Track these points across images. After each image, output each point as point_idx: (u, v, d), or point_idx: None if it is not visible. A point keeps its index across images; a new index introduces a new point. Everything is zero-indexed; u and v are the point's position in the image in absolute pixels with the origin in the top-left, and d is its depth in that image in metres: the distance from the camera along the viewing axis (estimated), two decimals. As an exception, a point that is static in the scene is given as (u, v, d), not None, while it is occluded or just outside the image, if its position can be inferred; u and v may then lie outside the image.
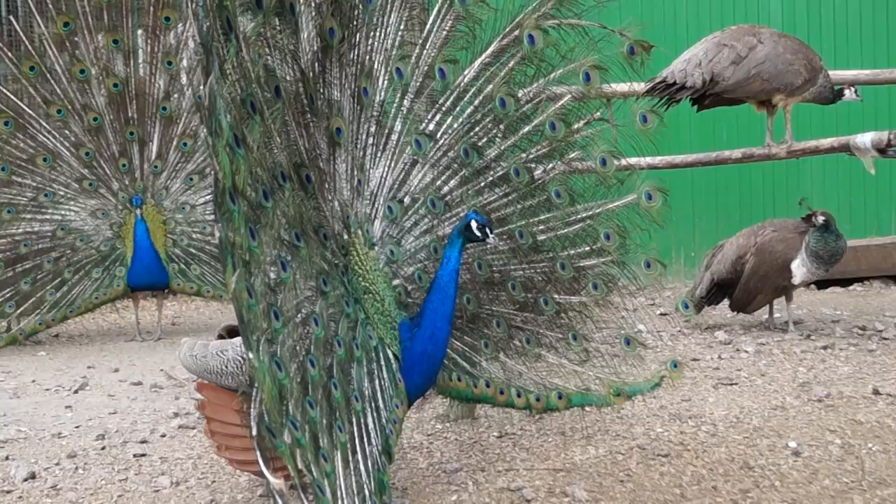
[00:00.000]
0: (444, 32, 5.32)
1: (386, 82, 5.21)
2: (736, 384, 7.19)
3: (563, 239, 5.61)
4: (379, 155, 5.19)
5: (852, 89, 8.68)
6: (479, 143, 5.39)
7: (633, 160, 5.68)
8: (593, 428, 6.17)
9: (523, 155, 5.47)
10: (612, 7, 5.69)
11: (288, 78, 4.73)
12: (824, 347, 8.13)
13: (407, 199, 5.26)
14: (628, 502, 5.06)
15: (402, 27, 5.24)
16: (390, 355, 4.93)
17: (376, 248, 5.08)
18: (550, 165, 5.53)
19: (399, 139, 5.24)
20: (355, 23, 5.00)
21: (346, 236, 4.97)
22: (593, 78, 5.47)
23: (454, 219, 5.30)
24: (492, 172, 5.43)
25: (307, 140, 4.80)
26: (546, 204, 5.54)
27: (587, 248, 5.65)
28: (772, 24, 11.52)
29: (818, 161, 11.49)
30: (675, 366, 6.00)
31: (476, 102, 5.36)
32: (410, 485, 5.36)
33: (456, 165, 5.37)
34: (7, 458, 5.96)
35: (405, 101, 5.26)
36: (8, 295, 9.45)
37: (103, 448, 6.12)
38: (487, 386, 5.53)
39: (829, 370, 7.47)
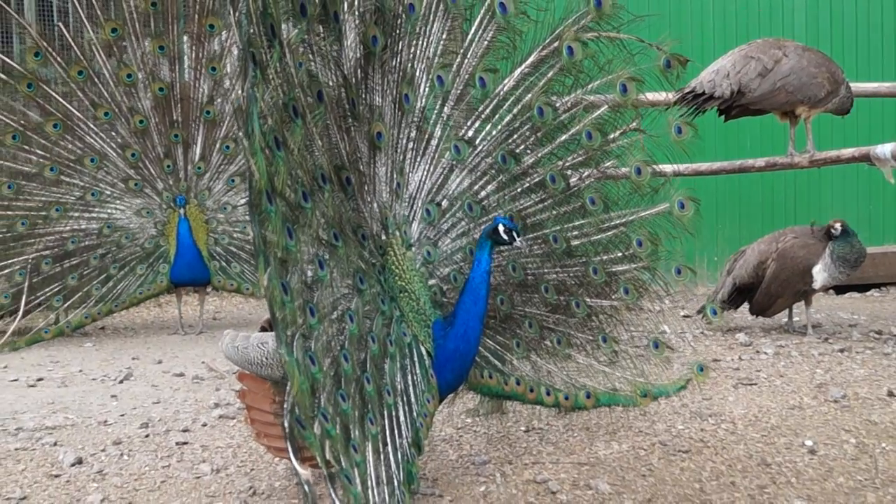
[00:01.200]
0: (486, 42, 5.33)
1: (427, 89, 5.22)
2: (755, 384, 7.22)
3: (597, 244, 5.62)
4: (419, 159, 5.22)
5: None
6: (517, 150, 5.40)
7: (661, 167, 5.69)
8: (617, 424, 6.21)
9: (559, 162, 5.47)
10: (644, 20, 5.70)
11: (330, 83, 4.77)
12: (841, 350, 8.14)
13: (445, 203, 5.29)
14: (650, 496, 5.10)
15: (444, 36, 5.26)
16: (423, 352, 4.97)
17: (413, 248, 5.13)
18: (586, 173, 5.54)
19: (438, 144, 5.26)
20: (398, 31, 5.03)
21: (384, 237, 5.02)
22: (630, 90, 5.49)
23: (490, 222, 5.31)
24: (528, 179, 5.43)
25: (348, 143, 4.85)
26: (581, 210, 5.54)
27: (620, 254, 5.67)
28: (796, 36, 11.55)
29: (838, 170, 11.49)
30: (702, 369, 6.03)
31: (515, 111, 5.38)
32: (441, 476, 5.41)
33: (493, 171, 5.38)
34: (56, 444, 6.05)
35: (445, 108, 5.28)
36: (56, 289, 9.55)
37: (147, 436, 6.20)
38: (518, 384, 5.57)
39: (845, 372, 7.49)
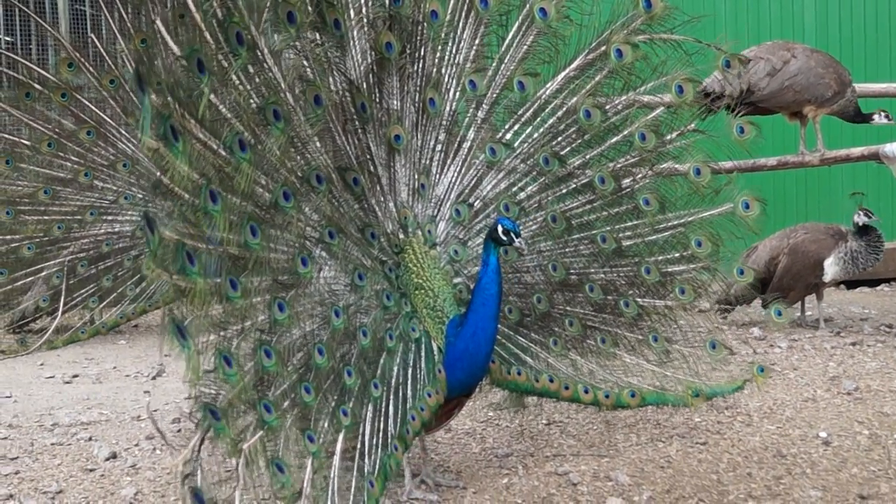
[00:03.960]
0: (525, 47, 5.27)
1: (458, 94, 5.19)
2: (770, 377, 7.16)
3: (652, 245, 5.51)
4: (449, 161, 5.18)
5: (882, 113, 8.64)
6: (562, 153, 5.33)
7: (679, 167, 5.60)
8: (635, 417, 6.17)
9: (610, 164, 5.38)
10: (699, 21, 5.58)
11: (333, 88, 4.79)
12: (853, 344, 8.08)
13: (478, 203, 5.23)
14: (668, 487, 5.07)
15: (476, 41, 5.21)
16: (434, 348, 4.91)
17: (438, 247, 5.09)
18: (640, 174, 5.45)
19: (472, 147, 5.22)
20: (419, 37, 5.02)
21: (402, 235, 5.01)
22: (686, 90, 5.41)
23: (532, 224, 5.30)
24: (575, 180, 5.36)
25: (355, 145, 4.86)
26: (634, 211, 5.45)
27: (677, 255, 5.55)
28: (805, 37, 11.48)
29: (848, 168, 11.42)
30: (762, 370, 5.81)
31: (560, 114, 5.31)
32: (464, 468, 5.40)
33: (535, 173, 5.32)
34: (90, 439, 6.04)
35: (480, 112, 5.23)
36: (92, 290, 9.54)
37: (179, 430, 6.19)
38: (551, 381, 5.36)
39: (857, 365, 7.43)
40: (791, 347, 8.10)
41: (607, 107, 5.37)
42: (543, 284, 5.37)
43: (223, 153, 4.24)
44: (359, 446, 4.60)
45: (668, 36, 5.34)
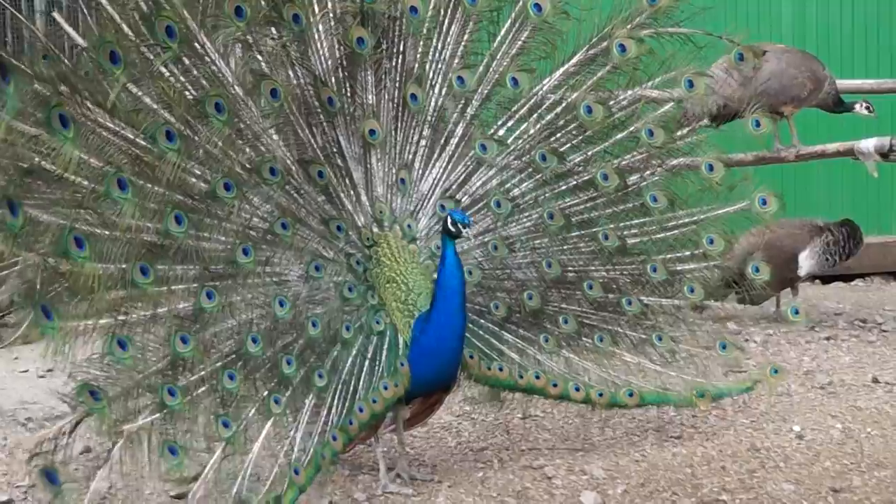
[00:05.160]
0: (520, 43, 5.23)
1: (445, 90, 5.16)
2: (744, 371, 7.19)
3: (660, 243, 5.46)
4: (434, 157, 5.17)
5: (863, 104, 8.67)
6: (561, 149, 5.28)
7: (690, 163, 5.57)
8: (610, 411, 6.16)
9: (615, 161, 5.33)
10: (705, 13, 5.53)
11: (294, 82, 4.82)
12: (827, 338, 8.11)
13: (465, 199, 5.20)
14: (643, 480, 5.09)
15: (465, 38, 5.18)
16: (400, 342, 4.91)
17: (419, 242, 5.08)
18: (648, 171, 5.38)
19: (460, 143, 5.19)
20: (397, 33, 5.03)
21: (375, 229, 5.01)
22: (697, 84, 5.37)
23: (526, 221, 5.26)
24: (575, 177, 5.33)
25: (319, 139, 4.89)
26: (640, 209, 5.41)
27: (687, 253, 5.49)
28: (783, 33, 11.49)
29: (824, 164, 11.46)
30: (776, 371, 5.72)
31: (558, 110, 5.28)
32: (440, 462, 5.42)
33: (530, 169, 5.27)
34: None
35: (469, 108, 5.21)
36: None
37: (155, 425, 6.15)
38: (537, 378, 5.25)
39: (831, 360, 7.46)
40: (766, 342, 8.13)
41: (611, 102, 5.32)
42: (536, 281, 5.31)
43: (142, 142, 4.32)
44: (293, 434, 4.64)
45: (675, 29, 5.30)
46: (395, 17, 5.02)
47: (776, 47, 8.64)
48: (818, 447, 5.53)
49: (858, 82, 9.40)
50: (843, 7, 12.17)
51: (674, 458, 5.40)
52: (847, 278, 11.35)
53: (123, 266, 4.31)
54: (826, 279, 11.07)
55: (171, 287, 4.47)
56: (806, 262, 8.79)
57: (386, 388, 4.85)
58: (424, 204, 5.16)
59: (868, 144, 8.36)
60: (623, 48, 5.24)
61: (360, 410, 4.79)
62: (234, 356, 4.61)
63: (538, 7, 5.21)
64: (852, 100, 8.78)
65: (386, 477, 5.00)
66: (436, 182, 5.18)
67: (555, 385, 5.31)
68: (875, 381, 6.74)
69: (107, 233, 4.28)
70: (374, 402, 4.82)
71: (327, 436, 4.69)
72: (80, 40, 4.45)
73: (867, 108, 8.71)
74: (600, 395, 5.38)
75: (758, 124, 5.56)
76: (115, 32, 4.35)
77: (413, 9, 5.06)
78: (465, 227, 4.76)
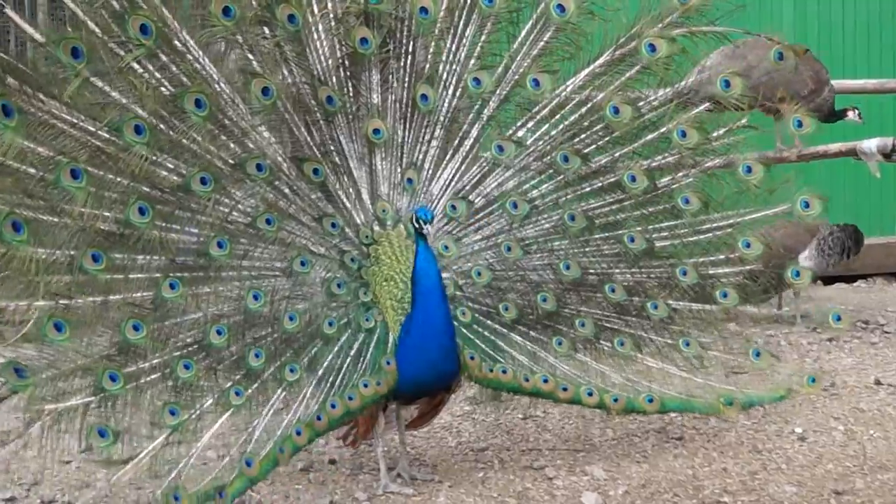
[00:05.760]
0: (542, 44, 5.16)
1: (459, 90, 5.12)
2: (746, 373, 7.18)
3: (692, 246, 5.35)
4: (447, 157, 5.14)
5: (856, 111, 8.67)
6: (585, 150, 5.20)
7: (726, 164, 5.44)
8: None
9: (644, 162, 5.25)
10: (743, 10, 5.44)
11: (290, 80, 4.84)
12: (829, 340, 8.10)
13: (480, 200, 5.17)
14: (643, 481, 5.09)
15: (482, 38, 5.12)
16: (390, 339, 4.90)
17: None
18: (681, 173, 5.28)
19: (475, 143, 5.15)
20: (405, 33, 5.01)
21: (376, 228, 5.01)
22: (734, 84, 5.28)
23: (545, 222, 5.20)
24: (600, 178, 5.24)
25: (317, 137, 4.90)
26: (671, 211, 5.30)
27: (721, 257, 5.37)
28: (784, 32, 11.50)
29: (826, 165, 11.46)
30: (814, 380, 5.57)
31: (583, 111, 5.19)
32: (440, 462, 5.42)
33: (552, 171, 5.21)
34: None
35: (486, 109, 5.16)
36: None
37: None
38: (545, 382, 5.14)
39: (833, 361, 7.45)
40: (767, 343, 8.13)
41: (640, 103, 5.24)
42: (553, 283, 5.23)
43: (105, 135, 4.40)
44: (254, 425, 4.68)
45: (709, 28, 5.20)
46: (402, 17, 5.00)
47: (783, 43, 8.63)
48: (820, 449, 5.53)
49: (861, 82, 9.41)
50: (844, 6, 12.17)
51: (675, 460, 5.40)
52: (849, 279, 11.35)
53: (72, 253, 4.39)
54: (828, 280, 11.08)
55: (127, 275, 4.54)
56: (806, 262, 8.78)
57: (366, 386, 4.83)
58: (434, 204, 5.13)
59: (870, 144, 8.37)
60: (653, 48, 5.14)
61: (333, 407, 4.79)
62: (195, 346, 4.66)
63: (561, 8, 5.13)
64: (849, 102, 8.77)
65: (387, 477, 4.99)
66: (447, 182, 5.16)
67: (564, 389, 5.17)
68: (878, 382, 6.72)
69: (55, 220, 4.37)
70: (351, 399, 4.81)
71: (291, 430, 4.71)
72: (36, 35, 4.49)
73: (858, 114, 8.70)
74: (615, 400, 5.23)
75: (800, 124, 5.46)
76: (79, 29, 4.43)
77: (423, 10, 5.02)
78: (425, 224, 4.72)
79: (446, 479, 5.13)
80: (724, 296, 5.37)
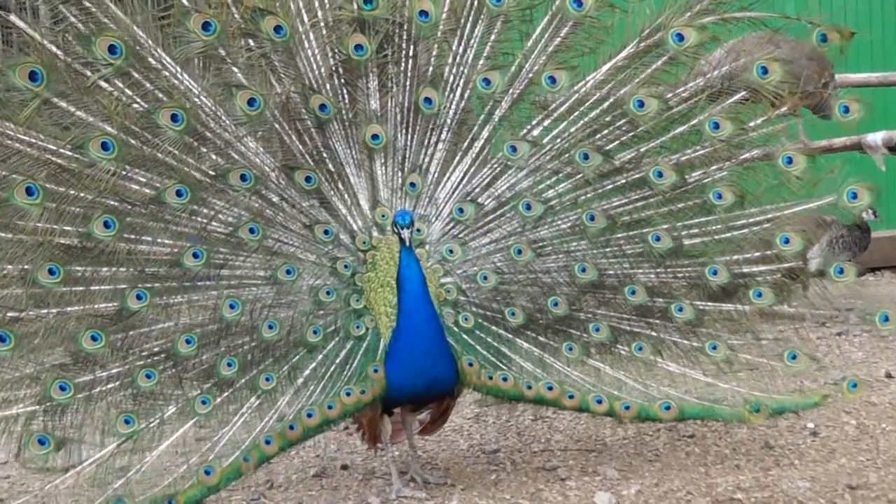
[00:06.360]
0: (558, 40, 5.00)
1: (468, 92, 5.03)
2: (756, 368, 7.17)
3: (724, 243, 5.13)
4: (455, 159, 5.06)
5: (870, 212, 8.54)
6: (607, 147, 5.04)
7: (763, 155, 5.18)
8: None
9: (673, 157, 5.05)
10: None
11: (279, 90, 4.84)
12: (839, 334, 8.10)
13: (490, 203, 5.08)
14: (656, 480, 5.09)
15: (492, 38, 5.01)
16: (380, 346, 4.88)
17: (427, 246, 5.03)
18: (714, 166, 5.07)
19: (485, 145, 5.06)
20: (404, 37, 4.95)
21: (375, 233, 4.99)
22: (772, 71, 5.04)
23: (561, 223, 5.06)
24: (624, 176, 5.06)
25: (309, 144, 4.89)
26: (701, 207, 5.09)
27: (757, 254, 5.13)
28: (787, 27, 11.47)
29: (832, 158, 11.45)
30: (855, 386, 5.27)
31: (604, 106, 5.02)
32: (452, 465, 5.42)
33: (569, 170, 5.06)
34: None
35: (498, 110, 5.05)
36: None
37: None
38: (549, 389, 5.01)
39: (843, 355, 7.45)
40: (777, 339, 8.11)
41: (668, 95, 5.05)
42: (567, 286, 5.09)
43: (67, 153, 4.47)
44: (221, 434, 4.72)
45: (742, 14, 5.01)
46: (400, 22, 4.93)
47: (790, 39, 8.61)
48: (833, 444, 5.52)
49: (864, 76, 9.40)
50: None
51: (687, 458, 5.40)
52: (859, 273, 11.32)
53: (26, 266, 4.47)
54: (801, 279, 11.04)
55: (89, 287, 4.59)
56: (814, 259, 8.77)
57: (349, 395, 4.82)
58: (439, 208, 5.08)
59: (876, 138, 8.38)
60: (681, 37, 4.93)
61: (310, 416, 4.79)
62: (161, 356, 4.70)
63: (578, 2, 4.96)
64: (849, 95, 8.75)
65: (399, 481, 5.00)
66: (455, 186, 5.08)
67: (571, 397, 5.04)
68: (889, 375, 6.73)
69: (8, 235, 4.48)
70: (331, 407, 4.82)
71: (260, 439, 4.73)
72: None
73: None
74: (627, 407, 5.07)
75: (846, 110, 5.22)
76: (37, 52, 4.47)
77: (423, 13, 4.92)
78: (403, 228, 4.68)
79: (459, 482, 5.14)
80: (759, 295, 5.15)
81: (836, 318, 8.80)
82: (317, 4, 4.87)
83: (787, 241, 5.09)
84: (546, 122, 5.09)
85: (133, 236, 4.63)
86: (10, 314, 4.49)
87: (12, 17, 4.61)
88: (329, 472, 5.41)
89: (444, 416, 5.24)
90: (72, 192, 4.51)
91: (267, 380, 4.77)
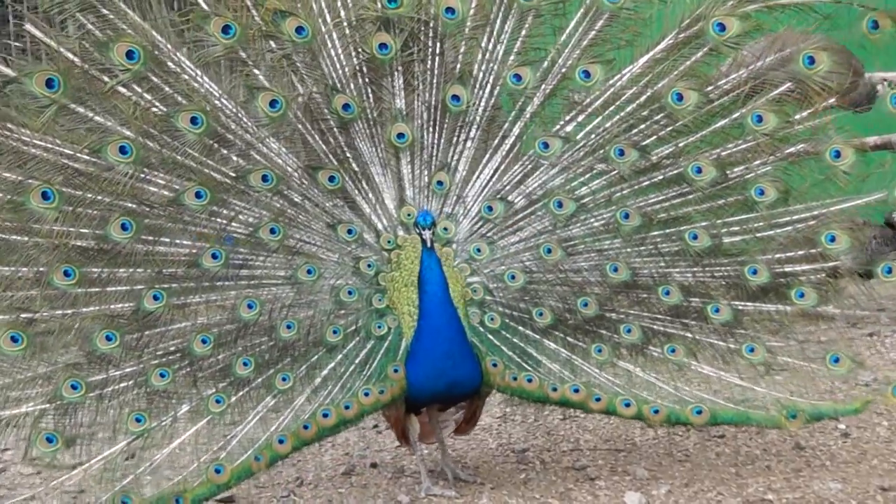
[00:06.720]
0: (593, 33, 4.91)
1: (497, 88, 4.97)
2: (786, 370, 7.16)
3: (767, 241, 4.99)
4: (484, 157, 5.02)
5: (885, 83, 8.57)
6: (644, 142, 4.93)
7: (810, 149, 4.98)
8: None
9: (714, 151, 4.93)
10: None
11: (303, 90, 4.84)
12: (870, 335, 8.06)
13: (521, 201, 5.02)
14: (686, 480, 5.08)
15: (522, 33, 4.94)
16: (402, 346, 4.89)
17: (454, 245, 5.00)
18: (758, 161, 4.93)
19: (515, 142, 5.01)
20: (430, 34, 4.91)
21: (401, 232, 4.98)
22: (819, 60, 4.86)
23: (594, 221, 4.98)
24: (661, 172, 4.95)
25: (333, 144, 4.89)
26: (742, 203, 4.96)
27: (801, 252, 4.99)
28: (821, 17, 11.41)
29: (880, 154, 11.38)
30: None
31: (641, 100, 4.91)
32: (482, 464, 5.44)
33: (603, 166, 4.97)
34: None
35: (529, 106, 4.99)
36: None
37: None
38: (576, 391, 4.97)
39: (875, 356, 7.41)
40: (807, 340, 8.07)
41: (709, 88, 4.91)
42: (598, 286, 5.02)
43: (84, 157, 4.53)
44: (234, 432, 4.76)
45: (790, 0, 4.85)
46: (425, 19, 4.88)
47: (820, 36, 8.58)
48: (865, 445, 5.50)
49: (892, 74, 9.34)
50: (878, -4, 12.05)
51: (718, 458, 5.38)
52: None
53: (41, 269, 4.53)
54: (867, 274, 10.99)
55: (104, 288, 4.63)
56: (845, 257, 8.71)
57: (367, 395, 4.84)
58: (467, 206, 5.04)
59: (905, 136, 8.36)
60: (722, 27, 4.78)
61: (325, 416, 4.81)
62: (176, 355, 4.73)
63: None
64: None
65: (428, 479, 5.01)
66: (485, 183, 5.03)
67: (598, 399, 4.99)
68: (921, 377, 6.68)
69: (24, 239, 4.54)
70: (347, 407, 4.84)
71: (273, 438, 4.76)
72: (5, 70, 4.56)
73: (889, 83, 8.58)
74: (656, 411, 5.00)
75: None
76: (54, 60, 4.53)
77: (449, 10, 4.87)
78: (424, 229, 4.71)
79: (488, 481, 5.15)
80: (801, 295, 5.01)
81: (868, 318, 8.76)
82: (339, 4, 4.85)
83: (832, 240, 4.96)
84: (580, 118, 4.99)
85: (151, 237, 4.66)
86: (24, 315, 4.54)
87: (27, 26, 4.64)
88: (358, 470, 5.43)
89: (475, 417, 5.24)
90: (89, 195, 4.56)
91: (283, 379, 4.79)
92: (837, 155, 4.90)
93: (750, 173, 4.94)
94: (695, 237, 4.94)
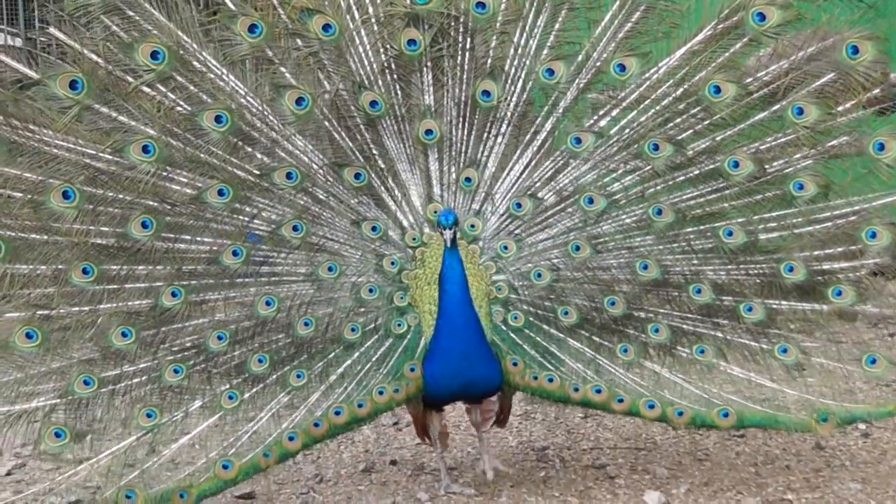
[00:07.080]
0: (629, 25, 4.82)
1: (530, 83, 4.90)
2: (806, 369, 7.14)
3: (804, 238, 4.88)
4: (514, 153, 4.96)
5: None
6: (680, 136, 4.84)
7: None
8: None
9: (752, 145, 4.83)
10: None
11: (329, 87, 4.83)
12: (891, 335, 8.05)
13: (551, 197, 4.96)
14: (706, 480, 5.09)
15: (556, 27, 4.87)
16: (421, 344, 4.89)
17: (481, 242, 4.98)
18: (798, 155, 4.81)
19: (547, 137, 4.94)
20: (461, 29, 4.84)
21: (427, 230, 4.96)
22: (863, 50, 4.69)
23: (625, 217, 4.92)
24: (696, 167, 4.86)
25: (359, 141, 4.88)
26: (780, 198, 4.84)
27: (840, 249, 4.87)
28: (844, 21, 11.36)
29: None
30: None
31: (677, 93, 4.82)
32: (501, 461, 5.42)
33: (637, 161, 4.90)
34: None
35: (562, 101, 4.91)
36: None
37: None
38: (598, 392, 4.92)
39: (896, 356, 7.40)
40: (829, 340, 8.05)
41: (748, 80, 4.81)
42: (627, 285, 4.95)
43: (106, 156, 4.56)
44: (246, 428, 4.78)
45: None
46: (455, 15, 4.83)
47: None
48: (884, 445, 5.51)
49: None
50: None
51: (737, 458, 5.39)
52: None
53: (60, 266, 4.57)
54: (890, 274, 10.94)
55: (123, 285, 4.66)
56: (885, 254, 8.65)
57: (381, 393, 4.85)
58: (496, 203, 5.00)
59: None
60: (762, 17, 4.68)
61: (337, 413, 4.83)
62: (191, 351, 4.76)
63: None
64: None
65: (447, 477, 5.03)
66: (515, 180, 4.99)
67: (620, 400, 4.94)
68: (942, 378, 6.66)
69: (44, 237, 4.57)
70: (361, 406, 4.85)
71: (283, 435, 4.78)
72: (30, 73, 4.60)
73: None
74: (680, 413, 4.92)
75: None
76: (77, 63, 4.55)
77: (480, 4, 4.81)
78: (445, 229, 4.70)
79: (508, 479, 5.16)
80: (838, 294, 4.90)
81: (890, 318, 8.74)
82: (367, 1, 4.83)
83: (873, 236, 4.83)
84: (614, 112, 4.91)
85: (171, 235, 4.68)
86: (40, 312, 4.58)
87: (51, 30, 4.68)
88: (378, 468, 5.45)
89: (504, 414, 5.21)
90: (110, 194, 4.59)
91: (298, 376, 4.81)
92: (881, 147, 4.77)
93: (789, 167, 4.82)
94: (730, 234, 4.84)
